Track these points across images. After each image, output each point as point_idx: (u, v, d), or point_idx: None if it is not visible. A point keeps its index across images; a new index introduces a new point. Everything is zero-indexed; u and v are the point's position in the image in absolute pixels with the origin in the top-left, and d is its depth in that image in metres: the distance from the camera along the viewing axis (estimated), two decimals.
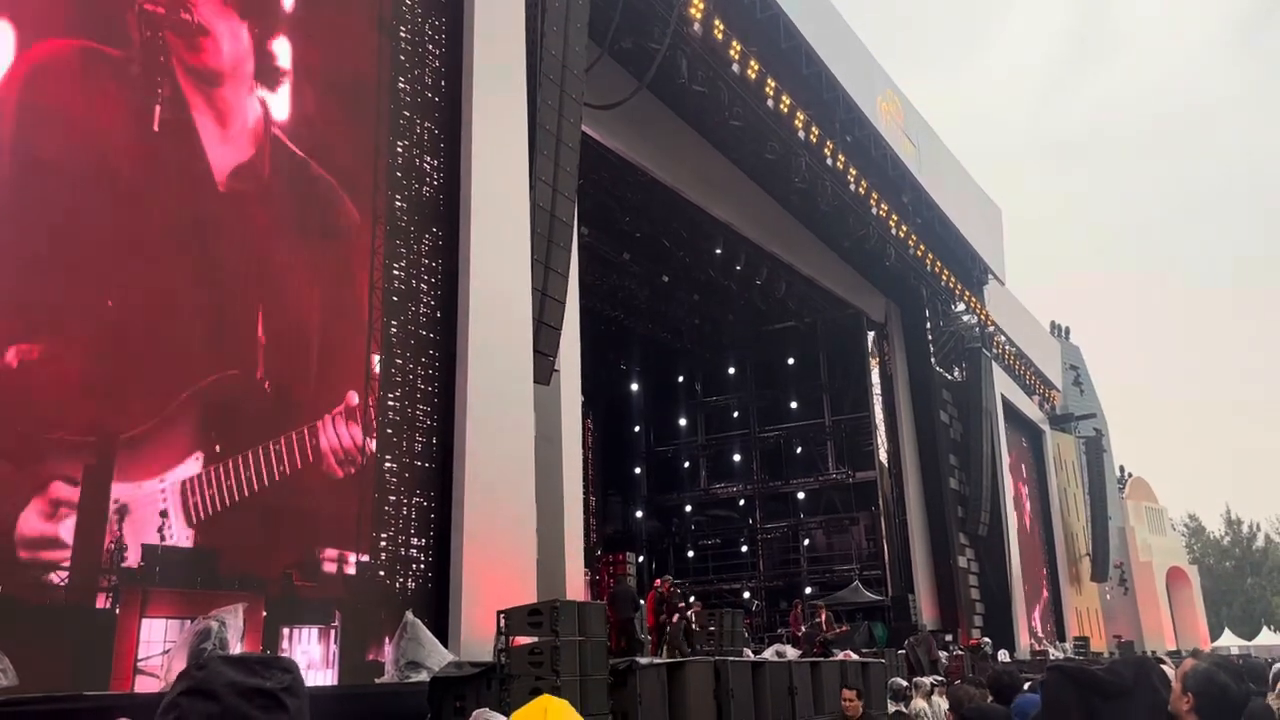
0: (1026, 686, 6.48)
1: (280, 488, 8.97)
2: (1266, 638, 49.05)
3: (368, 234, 10.32)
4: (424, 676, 8.36)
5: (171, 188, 8.55)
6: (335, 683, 9.03)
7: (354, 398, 9.84)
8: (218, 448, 8.50)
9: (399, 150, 10.88)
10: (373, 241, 10.35)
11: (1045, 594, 35.14)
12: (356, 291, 10.11)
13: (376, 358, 10.16)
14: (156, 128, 8.48)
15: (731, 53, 16.86)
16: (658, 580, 20.79)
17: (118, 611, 7.59)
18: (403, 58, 11.17)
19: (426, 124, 11.33)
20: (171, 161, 8.57)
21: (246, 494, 8.66)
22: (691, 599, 19.20)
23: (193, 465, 8.28)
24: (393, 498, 10.05)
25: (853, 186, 21.22)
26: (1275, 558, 70.24)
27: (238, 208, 9.08)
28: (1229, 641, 48.34)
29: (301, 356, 9.49)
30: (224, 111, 9.07)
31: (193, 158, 8.73)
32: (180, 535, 8.11)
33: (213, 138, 8.89)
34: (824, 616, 22.21)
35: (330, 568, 9.36)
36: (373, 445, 9.94)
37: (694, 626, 16.23)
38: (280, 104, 9.67)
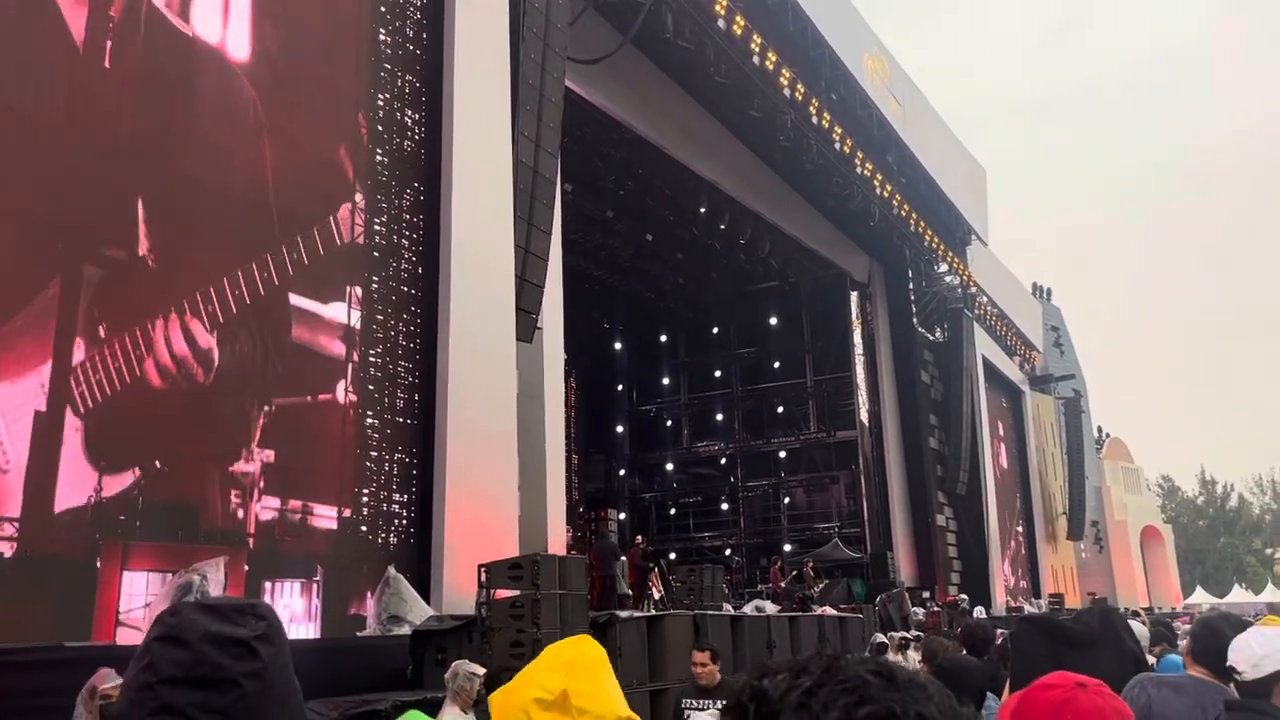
0: (1001, 639, 6.61)
1: (262, 442, 8.96)
2: (1238, 595, 50.04)
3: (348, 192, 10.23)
4: (405, 630, 8.43)
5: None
6: (317, 636, 9.09)
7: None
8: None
9: (380, 103, 10.74)
10: (353, 197, 10.25)
11: (1022, 552, 35.64)
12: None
13: (357, 313, 10.11)
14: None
15: (717, 8, 16.67)
16: (638, 537, 20.95)
17: (99, 564, 7.59)
18: (383, 9, 10.98)
19: (408, 77, 11.18)
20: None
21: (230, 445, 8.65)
22: (661, 561, 19.44)
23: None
24: (374, 453, 10.06)
25: (838, 145, 21.12)
26: (1248, 517, 71.49)
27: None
28: (1201, 599, 49.29)
29: None
30: None
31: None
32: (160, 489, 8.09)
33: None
34: (808, 569, 22.56)
35: (312, 522, 9.38)
36: (354, 400, 9.93)
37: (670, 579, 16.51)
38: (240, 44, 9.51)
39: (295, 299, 9.50)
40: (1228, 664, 2.88)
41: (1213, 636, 3.10)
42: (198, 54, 8.94)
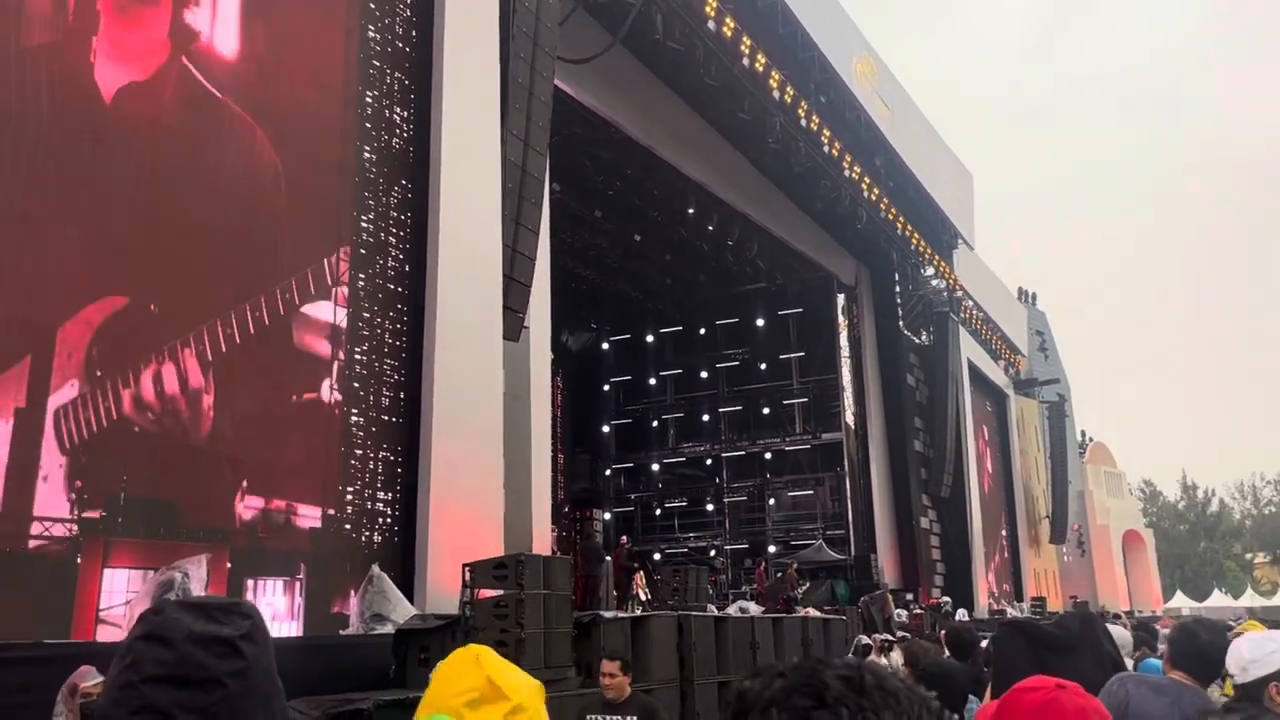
0: (985, 643, 6.64)
1: (245, 439, 8.92)
2: (1217, 599, 50.40)
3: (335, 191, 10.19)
4: (389, 629, 8.40)
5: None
6: (300, 634, 9.05)
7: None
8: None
9: (368, 100, 10.70)
10: (339, 196, 10.21)
11: (1005, 555, 35.81)
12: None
13: (343, 311, 10.07)
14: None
15: (708, 9, 16.69)
16: (623, 538, 20.96)
17: (79, 561, 7.54)
18: (373, 5, 10.95)
19: (397, 74, 11.14)
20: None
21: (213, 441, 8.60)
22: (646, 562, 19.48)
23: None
24: (359, 451, 10.02)
25: (826, 148, 21.17)
26: (1228, 522, 71.97)
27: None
28: (1181, 603, 49.61)
29: None
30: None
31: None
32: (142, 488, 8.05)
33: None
34: (792, 571, 22.64)
35: (296, 520, 9.34)
36: (339, 398, 9.89)
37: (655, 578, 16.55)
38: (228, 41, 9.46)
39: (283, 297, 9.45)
40: (1225, 669, 2.93)
41: (1190, 641, 3.14)
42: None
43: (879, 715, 0.87)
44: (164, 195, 8.55)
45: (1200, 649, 3.07)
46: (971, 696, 4.60)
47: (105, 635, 7.50)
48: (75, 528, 7.53)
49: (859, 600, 20.27)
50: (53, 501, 7.42)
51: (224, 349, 8.86)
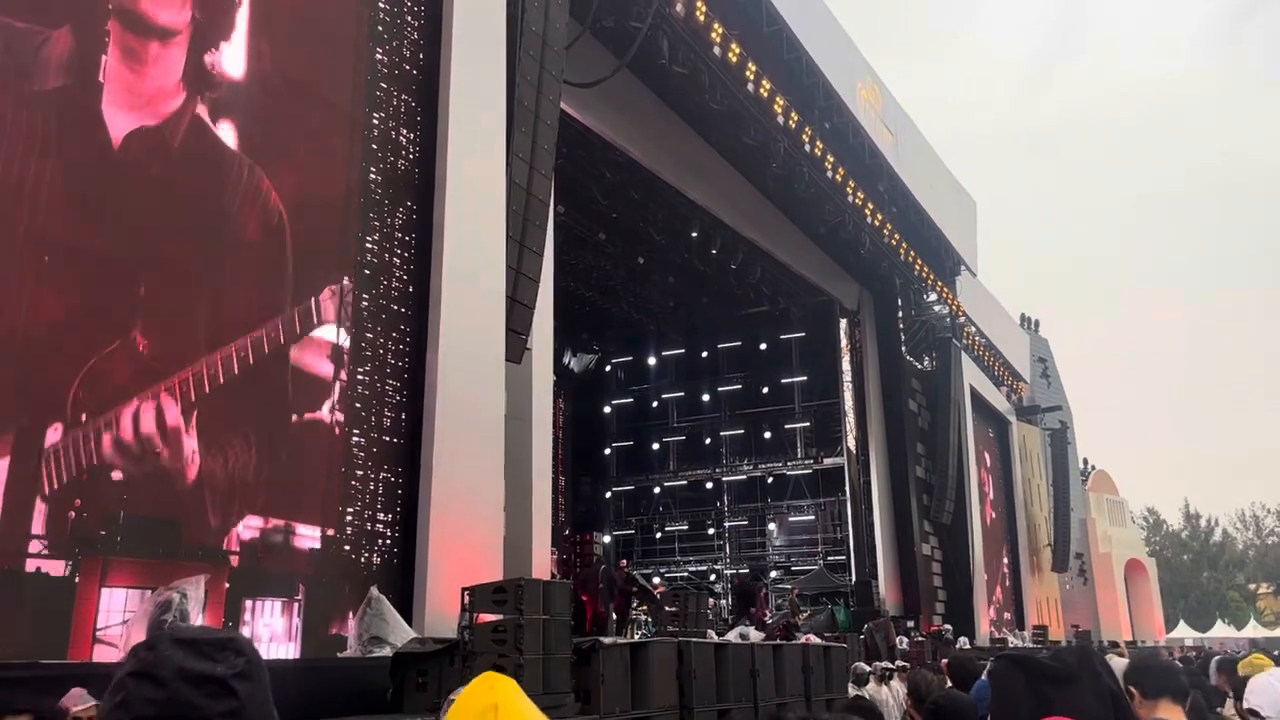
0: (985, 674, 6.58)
1: (246, 459, 8.90)
2: (1220, 630, 50.07)
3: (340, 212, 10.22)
4: (387, 651, 8.34)
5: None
6: (298, 656, 8.99)
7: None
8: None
9: (375, 122, 10.75)
10: (346, 213, 10.24)
11: (1007, 583, 35.62)
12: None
13: (346, 333, 10.08)
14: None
15: (713, 35, 16.80)
16: (623, 561, 20.86)
17: (77, 580, 7.51)
18: (380, 29, 11.02)
19: (404, 96, 11.20)
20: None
21: (210, 463, 8.58)
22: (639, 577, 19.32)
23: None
24: (360, 472, 9.99)
25: (830, 173, 21.25)
26: (1232, 552, 71.65)
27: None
28: (1184, 634, 49.32)
29: None
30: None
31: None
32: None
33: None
34: (794, 597, 22.55)
35: (295, 541, 9.30)
36: (341, 419, 9.88)
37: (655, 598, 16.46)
38: (235, 62, 9.52)
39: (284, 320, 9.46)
40: (1246, 707, 2.89)
41: (1149, 666, 3.15)
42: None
43: None
44: (174, 224, 8.57)
45: (1161, 668, 3.10)
46: None
47: (102, 655, 7.45)
48: (74, 546, 7.50)
49: (863, 627, 20.16)
50: (51, 520, 7.40)
51: (228, 372, 8.86)
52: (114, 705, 1.21)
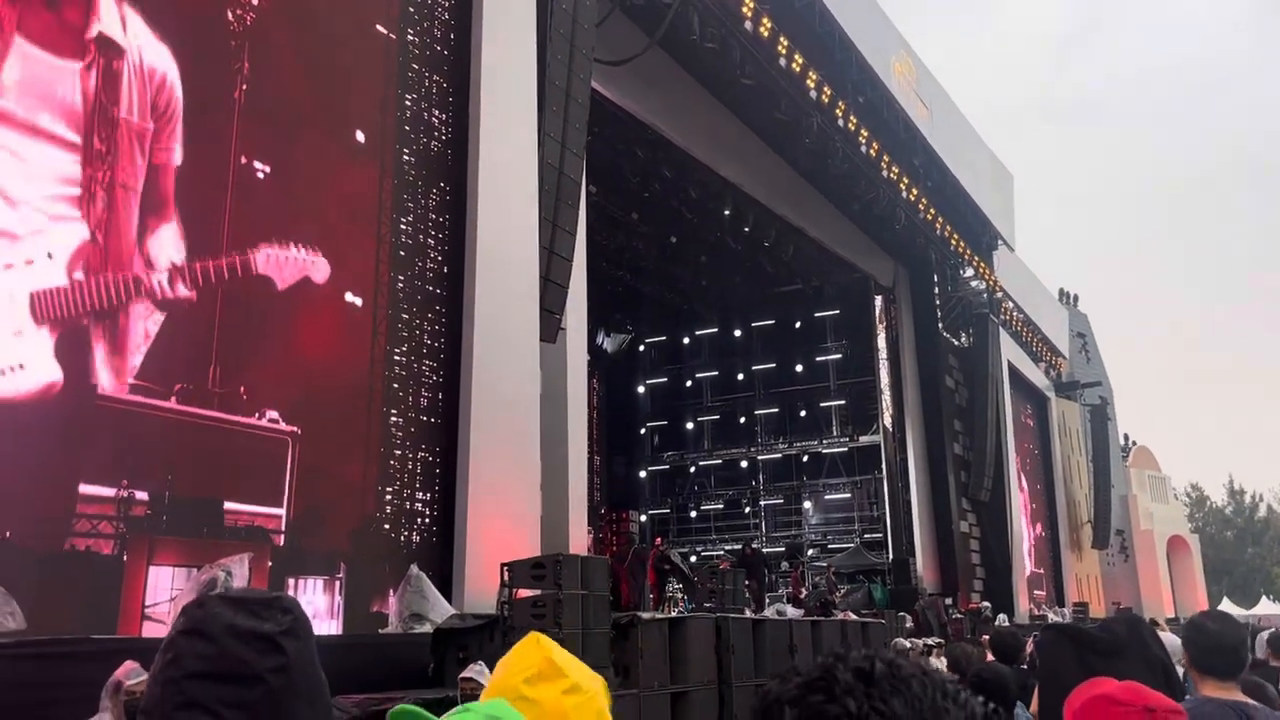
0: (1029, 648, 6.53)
1: (288, 439, 9.01)
2: (1265, 607, 49.31)
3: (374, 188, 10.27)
4: (427, 628, 8.45)
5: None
6: (340, 633, 9.13)
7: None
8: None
9: (407, 104, 10.78)
10: (380, 195, 10.30)
11: (1047, 560, 35.31)
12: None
13: (383, 312, 10.15)
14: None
15: (744, 9, 16.62)
16: (658, 539, 20.92)
17: (125, 558, 7.66)
18: (411, 10, 11.03)
19: (435, 77, 11.22)
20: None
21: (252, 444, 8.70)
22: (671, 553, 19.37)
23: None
24: (398, 452, 10.09)
25: (864, 148, 21.00)
26: (1276, 528, 70.41)
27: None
28: (1228, 611, 48.56)
29: None
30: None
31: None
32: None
33: None
34: (830, 574, 22.58)
35: (336, 520, 9.42)
36: (379, 399, 9.97)
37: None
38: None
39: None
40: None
41: (1202, 636, 3.08)
42: None
43: (887, 703, 0.85)
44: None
45: (1213, 642, 3.03)
46: (1020, 704, 4.51)
47: (150, 631, 7.61)
48: (122, 526, 7.65)
49: (900, 604, 20.13)
50: (100, 500, 7.54)
51: (269, 354, 8.96)
52: (166, 662, 1.23)
